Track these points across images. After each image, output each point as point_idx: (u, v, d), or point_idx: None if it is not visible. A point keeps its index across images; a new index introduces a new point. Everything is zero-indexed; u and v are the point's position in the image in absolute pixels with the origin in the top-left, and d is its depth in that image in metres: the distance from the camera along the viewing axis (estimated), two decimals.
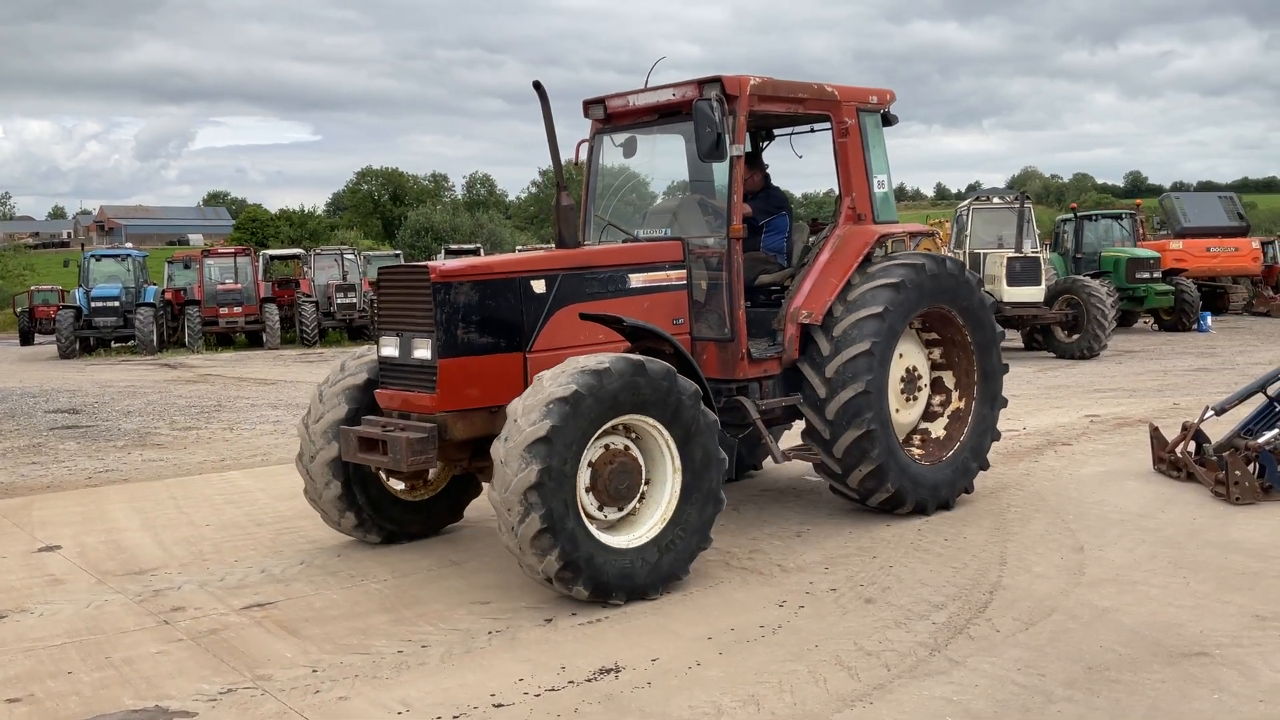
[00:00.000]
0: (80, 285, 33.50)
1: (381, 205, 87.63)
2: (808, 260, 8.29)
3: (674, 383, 6.58)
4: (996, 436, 8.93)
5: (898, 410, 8.43)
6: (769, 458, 8.96)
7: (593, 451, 6.44)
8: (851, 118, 8.34)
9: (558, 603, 6.46)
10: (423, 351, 6.89)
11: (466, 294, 6.85)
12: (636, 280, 7.57)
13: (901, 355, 8.46)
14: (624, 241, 8.19)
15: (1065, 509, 8.48)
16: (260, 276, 35.59)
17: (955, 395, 8.85)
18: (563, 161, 7.57)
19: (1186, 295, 27.07)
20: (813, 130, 9.03)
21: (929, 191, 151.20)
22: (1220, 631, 5.72)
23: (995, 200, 23.84)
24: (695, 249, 7.83)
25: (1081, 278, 22.29)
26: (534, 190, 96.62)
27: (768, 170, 9.22)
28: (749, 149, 9.38)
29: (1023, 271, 21.17)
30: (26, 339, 43.36)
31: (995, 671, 5.27)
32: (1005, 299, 21.07)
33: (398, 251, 48.81)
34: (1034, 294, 21.19)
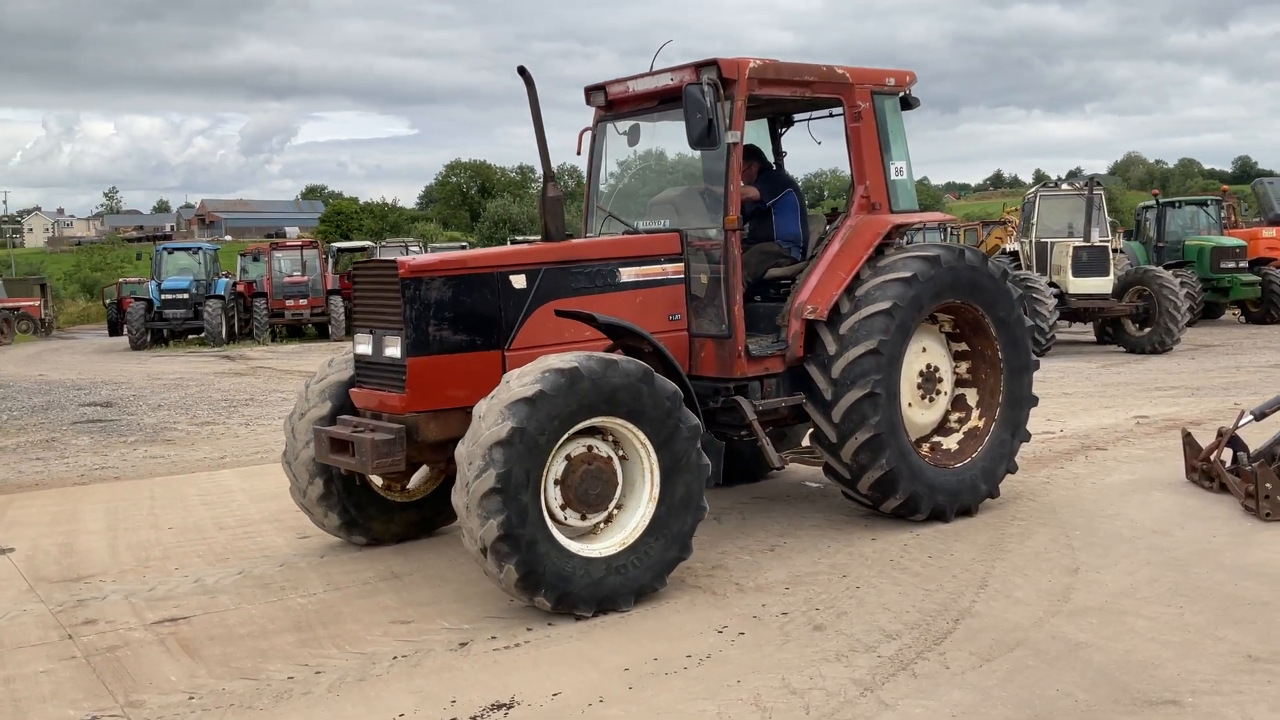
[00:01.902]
0: (153, 278, 34.01)
1: (470, 198, 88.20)
2: (817, 252, 7.71)
3: (651, 384, 6.10)
4: (1012, 469, 8.22)
5: (910, 405, 7.80)
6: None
7: (571, 448, 6.04)
8: (866, 101, 7.72)
9: (482, 624, 6.00)
10: (393, 350, 6.54)
11: (439, 290, 6.46)
12: (628, 274, 7.11)
13: (925, 350, 7.86)
14: (624, 234, 7.71)
15: (1074, 523, 7.75)
16: (330, 269, 35.78)
17: (975, 414, 8.15)
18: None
19: (1275, 286, 25.53)
20: (831, 115, 8.43)
21: (1027, 178, 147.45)
22: (1200, 675, 5.02)
23: (1064, 187, 22.73)
24: (694, 241, 7.32)
25: (1153, 268, 21.10)
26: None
27: (785, 155, 8.68)
28: (767, 136, 8.84)
29: (1090, 261, 20.10)
30: (115, 330, 44.28)
31: (925, 718, 4.66)
32: (1071, 290, 20.08)
33: (464, 243, 48.82)
34: (1102, 285, 20.10)
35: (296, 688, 5.23)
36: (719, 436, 7.48)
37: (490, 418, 5.76)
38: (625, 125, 7.99)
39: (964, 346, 8.15)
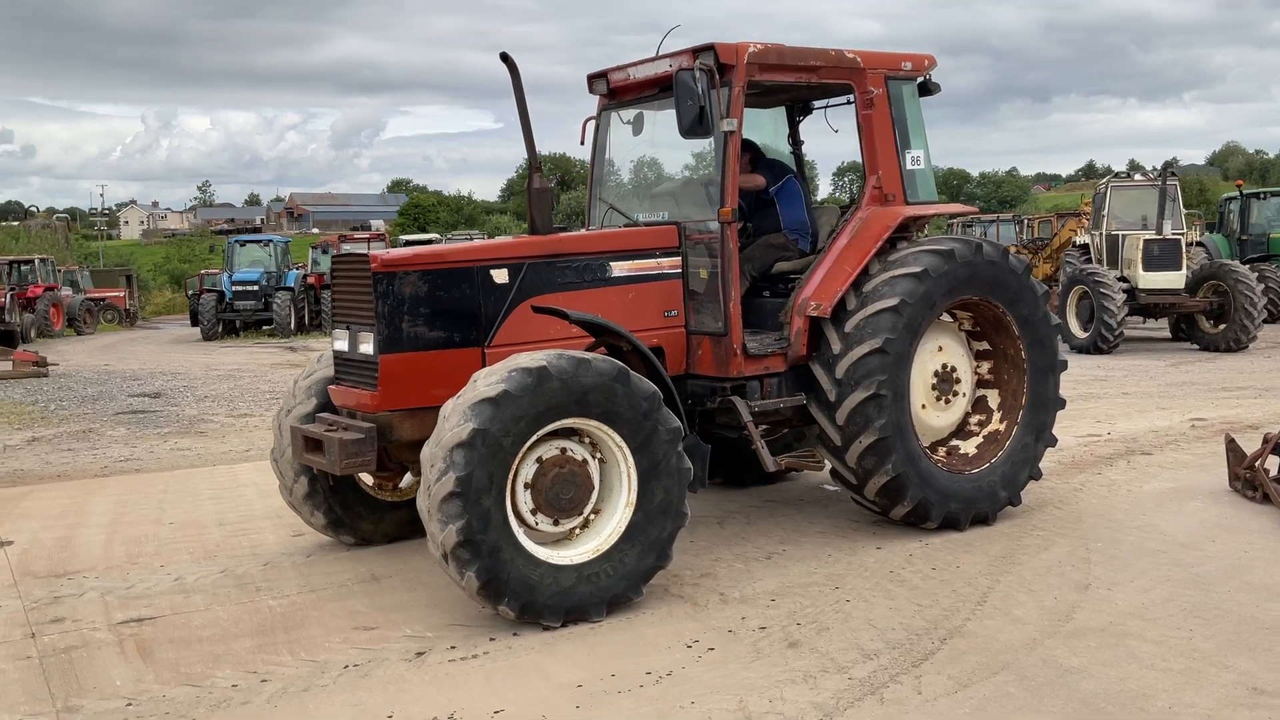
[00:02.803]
0: (225, 270, 34.50)
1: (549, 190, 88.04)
2: (826, 245, 7.35)
3: (626, 383, 5.82)
4: (1036, 474, 7.76)
5: (924, 406, 7.40)
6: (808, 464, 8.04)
7: (543, 450, 5.78)
8: (879, 87, 7.31)
9: (445, 632, 5.77)
10: (366, 346, 6.35)
11: (413, 285, 6.25)
12: (619, 269, 6.83)
13: (941, 349, 7.44)
14: (624, 226, 7.43)
15: (1098, 534, 7.28)
16: None
17: (997, 417, 7.70)
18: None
19: None
20: (850, 102, 8.03)
21: (1121, 167, 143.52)
22: (1195, 709, 4.59)
23: (1136, 177, 21.85)
24: (693, 234, 7.00)
25: (1229, 262, 20.17)
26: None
27: (804, 144, 8.35)
28: (785, 124, 8.50)
29: (1161, 255, 19.25)
30: (196, 320, 45.07)
31: None
32: (1141, 285, 19.26)
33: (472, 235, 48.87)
34: (1173, 280, 19.23)
35: (237, 697, 5.05)
36: (718, 438, 7.17)
37: (453, 419, 5.52)
38: (629, 114, 7.68)
39: (985, 345, 7.71)
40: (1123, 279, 19.38)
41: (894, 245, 7.27)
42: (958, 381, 7.49)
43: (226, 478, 10.17)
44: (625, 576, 5.90)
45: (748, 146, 8.00)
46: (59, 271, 43.18)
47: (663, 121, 7.79)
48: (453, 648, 5.57)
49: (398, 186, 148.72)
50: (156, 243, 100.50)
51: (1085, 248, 22.05)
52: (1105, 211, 21.03)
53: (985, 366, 7.73)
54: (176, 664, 5.48)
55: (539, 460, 5.76)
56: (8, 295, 31.30)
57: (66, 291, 40.90)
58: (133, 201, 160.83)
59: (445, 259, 6.43)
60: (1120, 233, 20.47)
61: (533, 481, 5.75)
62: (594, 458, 5.93)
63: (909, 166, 7.37)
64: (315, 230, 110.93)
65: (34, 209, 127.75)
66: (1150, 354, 19.19)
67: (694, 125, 6.43)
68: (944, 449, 7.59)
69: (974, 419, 7.72)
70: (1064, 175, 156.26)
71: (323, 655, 5.54)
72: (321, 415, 6.73)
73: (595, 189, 7.87)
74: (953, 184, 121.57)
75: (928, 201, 7.49)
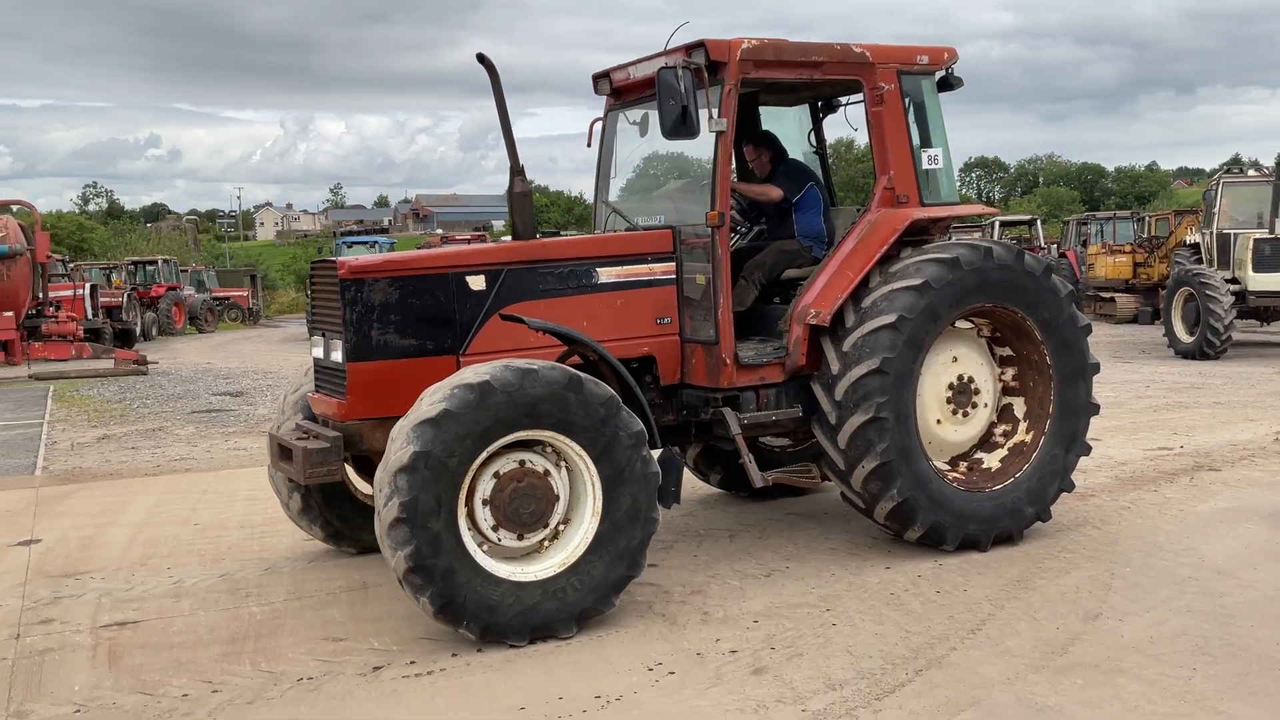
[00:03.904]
0: None
1: None
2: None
3: (579, 391, 5.62)
4: (1068, 486, 7.30)
5: (939, 422, 7.01)
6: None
7: (501, 464, 5.62)
8: (890, 83, 6.95)
9: (411, 646, 5.66)
10: (337, 354, 6.28)
11: (383, 291, 6.13)
12: (608, 274, 6.62)
13: (956, 359, 7.05)
14: (626, 230, 7.24)
15: (1129, 558, 6.80)
16: None
17: (1023, 427, 7.27)
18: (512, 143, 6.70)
19: None
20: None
21: (1269, 162, 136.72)
22: None
23: (1250, 173, 20.69)
24: (689, 238, 6.76)
25: None
26: None
27: (824, 145, 8.04)
28: (809, 122, 8.18)
29: (1273, 255, 18.18)
30: None
31: None
32: (1251, 287, 18.24)
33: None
34: None
35: (182, 707, 5.01)
36: (713, 449, 6.92)
37: (398, 441, 5.40)
38: (636, 114, 7.46)
39: (1009, 351, 7.28)
40: (1233, 280, 18.37)
41: (903, 249, 6.90)
42: (977, 392, 7.07)
43: (266, 480, 10.24)
44: (594, 589, 5.70)
45: (771, 146, 7.72)
46: (184, 272, 44.90)
47: None
48: (412, 663, 5.44)
49: None
50: (289, 244, 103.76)
51: (1196, 247, 21.00)
52: (1217, 209, 19.98)
53: (1010, 373, 7.30)
54: (139, 670, 5.48)
55: (497, 475, 5.59)
56: (125, 294, 32.53)
57: (189, 291, 42.45)
58: (268, 204, 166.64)
59: (416, 266, 6.31)
60: (1232, 231, 19.42)
61: (491, 497, 5.59)
62: (559, 468, 5.74)
63: (925, 166, 6.99)
64: (439, 231, 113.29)
65: (164, 210, 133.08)
66: (1259, 360, 18.13)
67: (677, 125, 6.19)
68: (965, 464, 7.18)
69: (999, 429, 7.29)
70: (1207, 170, 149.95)
71: (282, 666, 5.47)
72: (301, 423, 6.68)
73: (601, 191, 7.68)
74: (1087, 179, 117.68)
75: (945, 203, 7.10)
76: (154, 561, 7.47)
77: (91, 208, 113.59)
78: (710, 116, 6.38)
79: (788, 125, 8.06)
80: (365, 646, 5.71)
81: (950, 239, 7.08)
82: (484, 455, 5.48)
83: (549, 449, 5.73)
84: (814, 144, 8.07)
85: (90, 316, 28.37)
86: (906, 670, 5.15)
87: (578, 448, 5.63)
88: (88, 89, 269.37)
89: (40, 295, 21.74)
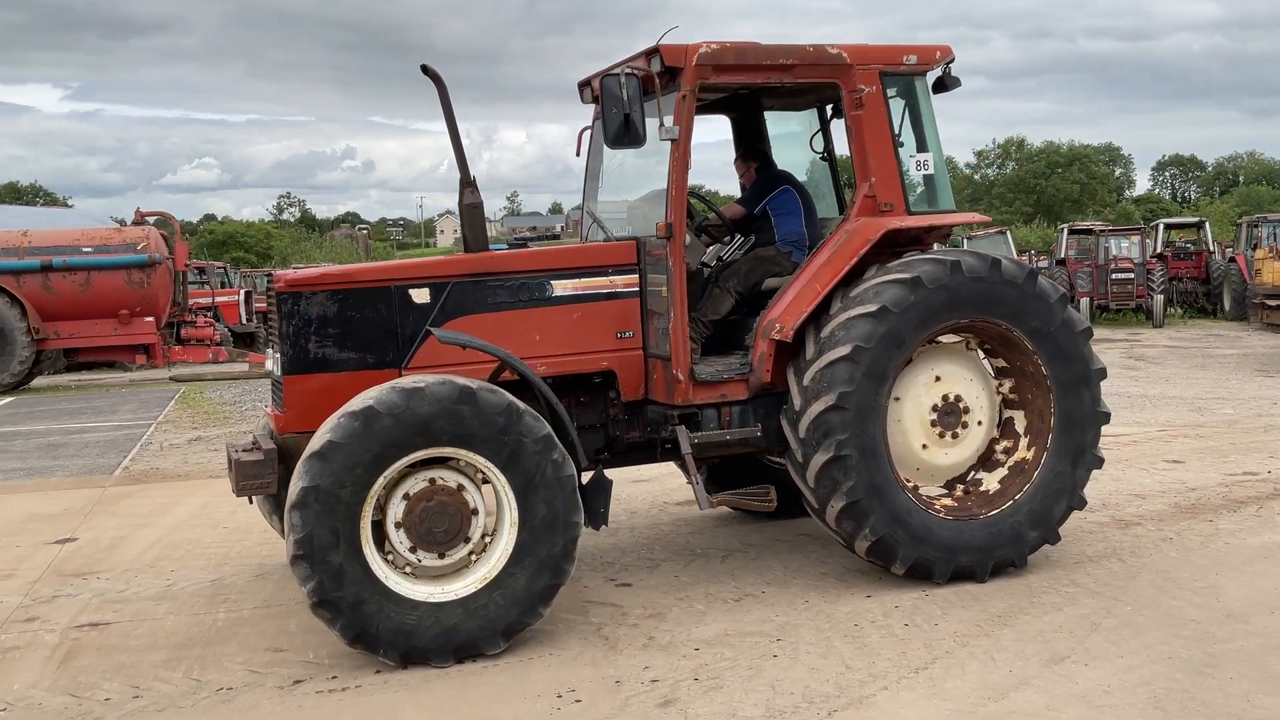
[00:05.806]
0: None
1: None
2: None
3: (473, 403, 5.48)
4: (1078, 504, 6.76)
5: (925, 447, 6.61)
6: None
7: (410, 485, 5.55)
8: (871, 85, 6.57)
9: (342, 660, 5.64)
10: (278, 368, 6.34)
11: (321, 305, 6.14)
12: (563, 288, 6.49)
13: (939, 378, 6.62)
14: (604, 241, 7.10)
15: (1137, 595, 6.26)
16: None
17: (1024, 443, 6.78)
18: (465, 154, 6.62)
19: None
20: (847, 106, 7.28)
21: None
22: None
23: None
24: (653, 250, 6.57)
25: None
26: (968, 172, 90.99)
27: (833, 150, 7.73)
28: (817, 126, 7.87)
29: None
30: None
31: None
32: None
33: None
34: None
35: (98, 710, 5.13)
36: (723, 469, 6.70)
37: (294, 477, 5.38)
38: None
39: (1001, 363, 6.80)
40: None
41: (876, 263, 6.50)
42: (966, 411, 6.61)
43: None
44: (518, 602, 5.56)
45: (755, 156, 7.45)
46: None
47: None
48: (334, 678, 5.43)
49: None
50: None
51: None
52: None
53: (1008, 385, 6.82)
54: (80, 672, 5.62)
55: (406, 496, 5.52)
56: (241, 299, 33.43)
57: None
58: (448, 211, 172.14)
59: (355, 279, 6.27)
60: None
61: (402, 519, 5.52)
62: (475, 482, 5.62)
63: (913, 172, 6.59)
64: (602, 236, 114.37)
65: (355, 218, 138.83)
66: None
67: (619, 134, 6.00)
68: (961, 487, 6.73)
69: (1000, 445, 6.80)
70: None
71: (211, 675, 5.53)
72: (260, 435, 6.73)
73: (587, 201, 7.53)
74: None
75: (936, 211, 6.67)
76: (162, 564, 7.69)
77: (285, 216, 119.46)
78: (661, 124, 6.17)
79: (795, 131, 7.76)
80: (300, 659, 5.72)
81: (934, 250, 6.64)
82: (382, 480, 5.41)
83: (464, 464, 5.62)
84: (819, 149, 7.73)
85: (244, 321, 29.59)
86: (820, 710, 4.84)
87: (482, 460, 5.52)
88: (289, 104, 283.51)
89: (180, 301, 22.81)
